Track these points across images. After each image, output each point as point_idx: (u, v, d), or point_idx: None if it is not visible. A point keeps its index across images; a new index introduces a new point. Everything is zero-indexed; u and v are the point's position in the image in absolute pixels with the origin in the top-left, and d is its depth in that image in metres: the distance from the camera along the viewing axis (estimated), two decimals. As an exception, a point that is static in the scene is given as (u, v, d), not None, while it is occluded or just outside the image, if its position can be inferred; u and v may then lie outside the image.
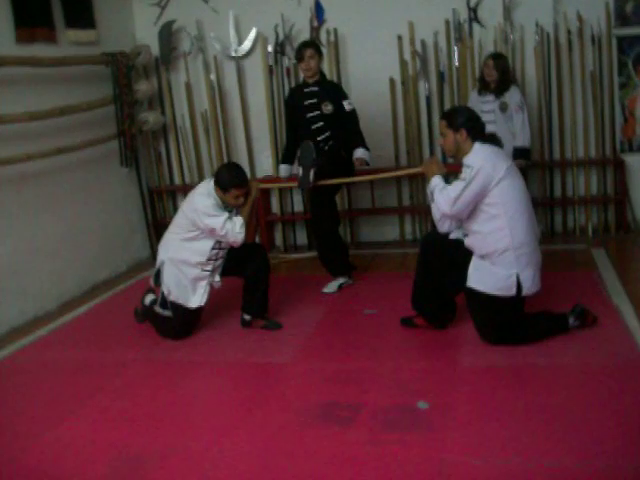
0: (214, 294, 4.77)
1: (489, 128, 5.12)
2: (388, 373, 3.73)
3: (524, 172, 5.42)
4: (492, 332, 3.93)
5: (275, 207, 6.63)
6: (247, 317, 4.59)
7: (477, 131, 3.90)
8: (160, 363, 4.18)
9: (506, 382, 3.52)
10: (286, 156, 5.39)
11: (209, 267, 4.44)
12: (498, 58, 5.42)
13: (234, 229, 4.27)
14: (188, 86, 6.61)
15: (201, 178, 6.76)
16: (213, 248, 4.39)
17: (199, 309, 4.50)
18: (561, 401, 3.27)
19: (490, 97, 5.44)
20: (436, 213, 3.99)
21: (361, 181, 5.62)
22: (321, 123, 5.03)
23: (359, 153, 4.99)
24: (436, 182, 3.97)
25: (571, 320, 3.99)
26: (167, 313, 4.44)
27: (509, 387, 3.46)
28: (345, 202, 6.47)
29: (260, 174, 6.68)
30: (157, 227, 6.63)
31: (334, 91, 5.12)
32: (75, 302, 5.56)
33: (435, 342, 4.10)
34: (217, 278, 4.52)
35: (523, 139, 5.41)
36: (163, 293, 4.44)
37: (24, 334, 4.90)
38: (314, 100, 5.04)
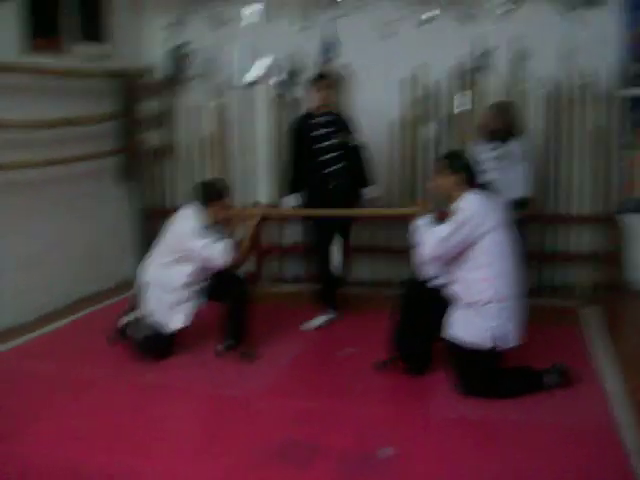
0: (195, 318, 4.74)
1: (490, 176, 5.12)
2: (355, 416, 3.66)
3: (523, 223, 5.39)
4: (467, 383, 3.86)
5: (268, 235, 6.58)
6: (224, 345, 4.53)
7: (473, 178, 3.87)
8: (129, 384, 4.12)
9: (475, 436, 3.44)
10: (294, 185, 5.25)
11: (192, 290, 4.40)
12: (503, 106, 5.37)
13: (218, 252, 4.23)
14: (193, 109, 6.61)
15: (198, 202, 6.74)
16: (196, 271, 4.36)
17: (175, 332, 4.44)
18: (529, 460, 3.20)
19: (492, 145, 5.40)
20: (419, 256, 3.95)
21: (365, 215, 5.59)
22: (333, 154, 5.03)
23: (370, 192, 5.14)
24: (425, 221, 3.93)
25: (550, 378, 3.91)
26: (147, 333, 4.41)
27: (478, 442, 3.38)
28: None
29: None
30: (149, 247, 6.56)
31: (346, 122, 5.18)
32: (56, 315, 5.50)
33: (409, 389, 4.02)
34: (201, 300, 4.49)
35: (524, 189, 5.35)
36: (145, 314, 4.40)
37: (-1, 343, 4.86)
38: (332, 128, 5.05)
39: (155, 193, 6.82)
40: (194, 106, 6.60)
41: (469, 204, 3.78)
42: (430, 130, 6.20)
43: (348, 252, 5.39)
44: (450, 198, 3.89)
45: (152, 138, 6.44)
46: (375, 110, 6.13)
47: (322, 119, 5.07)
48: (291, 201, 5.24)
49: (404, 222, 6.06)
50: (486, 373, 3.85)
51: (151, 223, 6.81)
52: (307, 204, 5.14)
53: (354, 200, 5.15)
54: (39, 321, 5.35)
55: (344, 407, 3.77)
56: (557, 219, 6.12)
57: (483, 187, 3.95)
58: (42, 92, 5.34)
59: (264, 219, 4.71)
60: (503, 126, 5.33)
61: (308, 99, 6.21)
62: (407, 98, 6.19)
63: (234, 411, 3.77)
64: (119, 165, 6.21)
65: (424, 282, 4.09)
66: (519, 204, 5.37)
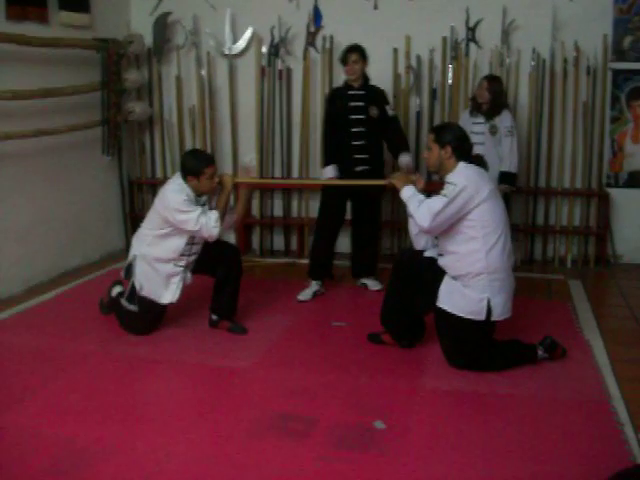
0: (185, 291, 4.70)
1: (477, 150, 5.09)
2: (348, 389, 3.66)
3: (507, 197, 5.39)
4: (458, 356, 3.86)
5: (255, 210, 6.55)
6: (214, 317, 4.51)
7: (463, 151, 3.84)
8: (119, 358, 4.08)
9: (467, 409, 3.46)
10: (331, 157, 5.17)
11: (182, 263, 4.36)
12: (492, 80, 5.39)
13: (208, 223, 4.19)
14: (178, 80, 6.52)
15: (184, 173, 6.67)
16: (187, 244, 4.32)
17: (165, 306, 4.41)
18: (521, 433, 3.21)
19: (481, 119, 5.41)
20: (413, 228, 3.93)
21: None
22: (363, 128, 5.04)
23: (405, 159, 5.09)
24: (409, 193, 3.91)
25: (540, 351, 3.93)
26: (132, 307, 4.36)
27: (470, 414, 3.39)
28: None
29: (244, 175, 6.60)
30: (134, 219, 6.51)
31: (378, 95, 5.16)
32: (42, 287, 5.44)
33: (401, 361, 4.02)
34: (189, 274, 4.45)
35: (510, 164, 5.38)
36: (133, 287, 4.35)
37: (-15, 316, 4.80)
38: (361, 103, 5.05)
39: (141, 164, 6.74)
40: (179, 76, 6.51)
41: (460, 176, 3.75)
42: (420, 102, 6.17)
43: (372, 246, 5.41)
44: (442, 170, 3.87)
45: (137, 108, 6.32)
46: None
47: (357, 92, 5.08)
48: (329, 173, 5.15)
49: (395, 196, 6.12)
50: (479, 345, 3.86)
51: (137, 194, 6.76)
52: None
53: (376, 190, 5.10)
54: (27, 293, 5.30)
55: (338, 379, 3.77)
56: (547, 192, 6.13)
57: (474, 159, 3.92)
58: (25, 62, 5.22)
59: (236, 186, 4.66)
60: (492, 99, 5.33)
61: (297, 70, 6.20)
62: (396, 70, 6.14)
63: (227, 384, 3.75)
64: (104, 136, 6.11)
65: (417, 253, 4.07)
66: (506, 178, 5.39)
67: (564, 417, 3.37)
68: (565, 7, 5.82)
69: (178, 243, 4.31)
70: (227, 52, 6.41)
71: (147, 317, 4.39)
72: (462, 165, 3.80)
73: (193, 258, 4.43)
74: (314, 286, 5.21)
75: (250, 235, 6.64)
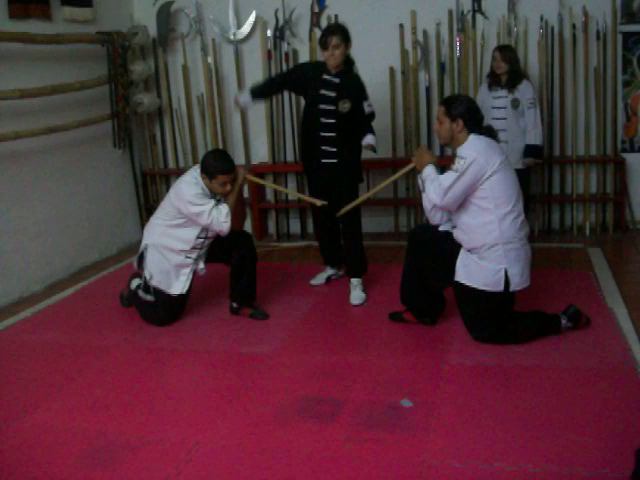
0: (202, 281, 4.71)
1: (499, 124, 5.10)
2: (373, 369, 3.65)
3: (529, 170, 5.36)
4: (480, 329, 3.85)
5: (269, 194, 6.54)
6: (235, 304, 4.52)
7: (474, 122, 3.81)
8: (142, 349, 4.10)
9: (493, 383, 3.44)
10: (257, 90, 4.78)
11: (193, 255, 4.37)
12: (505, 49, 5.31)
13: (219, 218, 4.19)
14: (185, 69, 6.49)
15: (195, 162, 6.64)
16: (199, 237, 4.32)
17: (182, 296, 4.43)
18: (549, 405, 3.20)
19: (502, 92, 5.31)
20: (427, 204, 3.91)
21: (368, 198, 4.92)
22: (333, 120, 4.54)
23: (369, 139, 4.60)
24: (428, 172, 3.88)
25: (564, 321, 3.91)
26: (149, 298, 4.38)
27: (496, 388, 3.38)
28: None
29: (255, 160, 6.60)
30: (149, 211, 6.50)
31: (356, 88, 4.59)
32: (62, 284, 5.47)
33: (423, 338, 4.01)
34: (201, 265, 4.46)
35: (535, 136, 5.30)
36: (145, 277, 4.37)
37: (8, 315, 4.83)
38: (332, 93, 4.51)
39: (153, 155, 6.74)
40: (186, 65, 6.48)
41: (470, 149, 3.73)
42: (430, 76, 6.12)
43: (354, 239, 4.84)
44: (453, 143, 3.86)
45: (145, 100, 6.31)
46: (372, 60, 6.02)
47: (332, 79, 4.54)
48: (242, 98, 4.80)
49: (410, 172, 6.11)
50: (500, 317, 3.84)
51: (151, 186, 6.77)
52: (304, 167, 4.91)
53: (349, 182, 4.73)
54: (47, 291, 5.33)
55: (362, 359, 3.77)
56: (562, 161, 6.07)
57: (485, 131, 3.89)
58: (31, 60, 5.22)
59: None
60: (510, 69, 5.25)
61: (303, 52, 6.15)
62: (403, 46, 6.08)
63: (252, 370, 3.76)
64: (114, 130, 6.11)
65: (430, 228, 4.06)
66: (532, 151, 5.32)
67: (591, 387, 3.35)
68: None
69: (190, 234, 4.31)
70: (232, 38, 6.38)
71: (165, 307, 4.40)
72: (473, 137, 3.78)
73: (204, 251, 4.43)
74: (328, 270, 5.14)
75: (266, 220, 6.64)
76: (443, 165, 4.15)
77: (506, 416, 3.11)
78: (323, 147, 4.62)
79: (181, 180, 4.33)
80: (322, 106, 4.56)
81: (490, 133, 3.91)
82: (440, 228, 4.01)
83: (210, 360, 3.93)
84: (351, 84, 4.58)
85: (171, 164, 6.79)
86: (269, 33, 6.25)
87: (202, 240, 4.35)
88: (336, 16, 6.11)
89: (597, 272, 5.01)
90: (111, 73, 5.97)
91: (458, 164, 3.70)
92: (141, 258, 4.41)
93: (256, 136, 6.57)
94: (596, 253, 5.48)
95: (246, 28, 6.35)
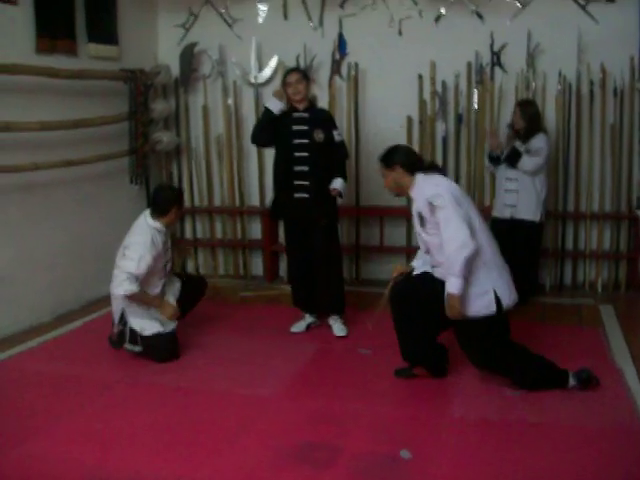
0: (209, 321, 4.71)
1: (512, 173, 5.23)
2: (373, 417, 3.62)
3: (542, 225, 5.40)
4: (477, 354, 3.86)
5: (282, 237, 6.55)
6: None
7: (413, 164, 3.89)
8: (145, 386, 4.09)
9: (495, 439, 3.39)
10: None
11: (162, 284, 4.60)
12: (525, 106, 5.35)
13: (122, 281, 4.35)
14: (205, 109, 6.58)
15: (210, 202, 6.73)
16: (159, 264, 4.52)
17: (173, 333, 4.51)
18: (551, 464, 3.13)
19: (517, 143, 5.35)
20: (458, 260, 3.66)
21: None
22: (306, 153, 4.74)
23: (337, 184, 4.79)
24: (454, 286, 3.69)
25: (572, 381, 3.85)
26: (138, 349, 4.45)
27: (498, 444, 3.33)
28: (352, 237, 6.39)
29: (269, 203, 6.61)
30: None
31: (325, 119, 4.92)
32: (71, 315, 5.50)
33: (426, 389, 3.97)
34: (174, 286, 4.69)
35: (528, 160, 5.24)
36: (133, 332, 4.44)
37: (15, 344, 4.84)
38: (304, 127, 4.77)
39: (168, 193, 6.79)
40: (206, 105, 6.57)
41: (428, 185, 3.78)
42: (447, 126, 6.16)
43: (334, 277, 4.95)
44: (403, 190, 3.93)
45: (164, 138, 6.39)
46: (390, 108, 6.09)
47: (302, 115, 4.81)
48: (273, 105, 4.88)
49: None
50: (500, 342, 3.83)
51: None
52: (275, 203, 4.99)
53: (331, 203, 4.88)
54: (55, 321, 5.36)
55: (362, 407, 3.73)
56: (576, 216, 6.05)
57: (430, 167, 3.97)
58: (54, 93, 5.32)
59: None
60: (527, 125, 5.29)
61: (322, 98, 6.21)
62: (421, 96, 6.13)
63: (253, 411, 3.72)
64: (133, 166, 6.18)
65: (409, 279, 4.03)
66: (531, 228, 5.31)
67: (596, 446, 3.28)
68: (590, 29, 5.77)
69: (155, 275, 4.52)
70: (253, 81, 6.47)
71: (160, 348, 4.44)
72: (421, 176, 3.85)
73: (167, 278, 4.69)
74: (308, 318, 5.05)
75: (277, 262, 6.64)
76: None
77: (507, 474, 3.05)
78: (296, 182, 4.77)
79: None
80: (296, 141, 4.77)
81: (435, 168, 4.00)
82: (415, 272, 4.01)
83: (212, 400, 3.90)
84: (320, 116, 4.90)
85: (186, 203, 6.82)
86: (289, 78, 6.33)
87: (163, 265, 4.56)
88: (356, 64, 6.19)
89: (607, 330, 4.95)
90: (132, 110, 6.06)
91: (438, 203, 3.66)
92: (121, 318, 4.50)
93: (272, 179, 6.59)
94: (607, 310, 5.42)
95: (267, 72, 6.44)
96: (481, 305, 3.72)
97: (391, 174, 3.89)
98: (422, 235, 3.89)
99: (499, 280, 3.75)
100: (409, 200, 6.10)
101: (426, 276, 3.93)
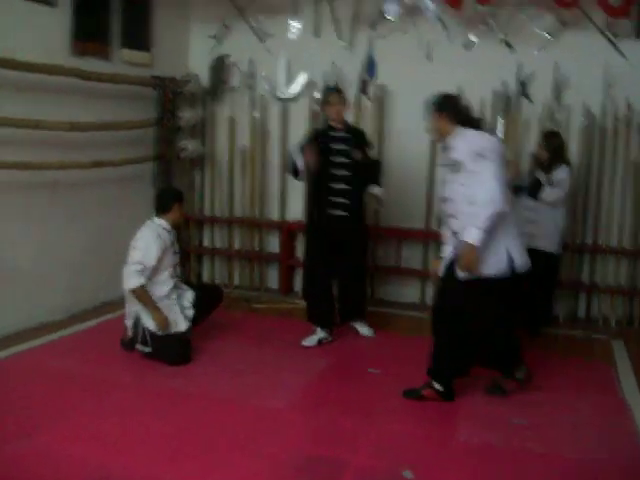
0: (223, 329, 4.73)
1: (532, 203, 5.24)
2: (380, 435, 3.63)
3: (558, 257, 5.44)
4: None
5: (299, 252, 6.58)
6: None
7: (462, 116, 3.99)
8: (154, 389, 4.13)
9: (499, 465, 3.38)
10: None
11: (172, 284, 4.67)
12: (550, 137, 5.33)
13: (132, 273, 4.50)
14: (232, 120, 6.66)
15: (231, 212, 6.79)
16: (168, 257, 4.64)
17: (187, 337, 4.58)
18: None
19: (540, 174, 5.35)
20: (486, 212, 3.76)
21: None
22: (346, 172, 4.92)
23: (376, 189, 4.99)
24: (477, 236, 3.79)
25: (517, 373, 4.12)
26: (147, 349, 4.52)
27: (500, 471, 3.32)
28: (370, 257, 6.41)
29: (289, 217, 6.67)
30: (181, 254, 6.59)
31: (362, 138, 5.11)
32: (85, 315, 5.56)
33: (435, 411, 3.97)
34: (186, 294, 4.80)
35: (550, 191, 5.23)
36: (145, 333, 4.50)
37: (28, 339, 4.91)
38: (344, 146, 4.94)
39: (190, 201, 6.86)
40: (233, 117, 6.64)
41: (461, 141, 3.88)
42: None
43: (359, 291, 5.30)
44: (443, 135, 4.02)
45: (190, 146, 6.47)
46: (412, 131, 6.11)
47: (341, 134, 4.99)
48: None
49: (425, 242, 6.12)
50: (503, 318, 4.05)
51: (183, 230, 6.86)
52: (311, 218, 5.13)
53: (357, 235, 5.09)
54: (70, 320, 5.42)
55: (369, 424, 3.74)
56: (594, 250, 6.05)
57: (474, 123, 4.05)
58: (85, 95, 5.42)
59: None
60: (550, 157, 5.28)
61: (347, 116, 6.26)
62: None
63: (261, 422, 3.74)
64: (155, 171, 6.26)
65: (441, 294, 4.12)
66: (549, 259, 5.31)
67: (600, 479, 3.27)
68: (617, 64, 5.78)
69: (164, 272, 4.62)
70: (281, 95, 6.54)
71: (173, 351, 4.50)
72: (462, 130, 3.95)
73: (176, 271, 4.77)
74: (319, 332, 5.09)
75: (293, 277, 6.68)
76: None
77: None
78: (335, 199, 4.92)
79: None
80: (335, 159, 4.92)
81: (479, 124, 4.10)
82: (443, 254, 4.08)
83: (220, 407, 3.92)
84: (357, 135, 5.09)
85: (207, 212, 6.90)
86: (317, 95, 6.39)
87: (172, 257, 4.69)
88: (383, 86, 6.24)
89: (618, 365, 4.92)
90: (160, 116, 6.16)
91: (484, 154, 3.77)
92: (136, 323, 4.58)
93: (293, 193, 6.64)
94: (619, 346, 5.39)
95: (295, 87, 6.51)
96: (493, 262, 3.83)
97: (437, 118, 4.00)
98: (453, 185, 3.92)
99: (512, 244, 3.90)
100: (428, 222, 6.21)
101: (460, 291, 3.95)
